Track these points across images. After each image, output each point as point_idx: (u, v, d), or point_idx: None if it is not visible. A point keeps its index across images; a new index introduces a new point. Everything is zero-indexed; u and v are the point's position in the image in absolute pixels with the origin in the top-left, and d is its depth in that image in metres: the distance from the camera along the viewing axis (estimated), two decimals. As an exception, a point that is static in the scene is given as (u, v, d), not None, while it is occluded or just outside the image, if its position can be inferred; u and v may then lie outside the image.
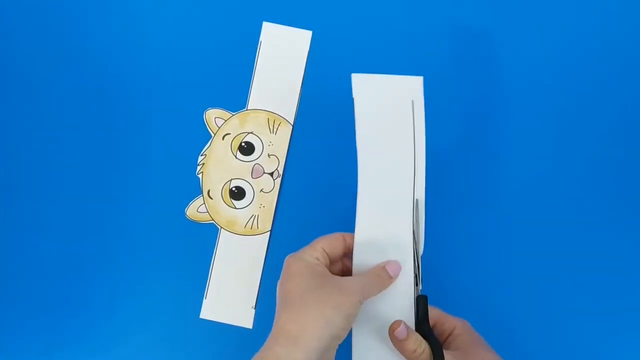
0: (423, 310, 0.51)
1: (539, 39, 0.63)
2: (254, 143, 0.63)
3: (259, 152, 0.62)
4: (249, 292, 0.61)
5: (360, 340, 0.51)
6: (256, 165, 0.62)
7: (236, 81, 0.63)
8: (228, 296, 0.61)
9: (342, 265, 0.54)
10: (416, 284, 0.51)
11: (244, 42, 0.63)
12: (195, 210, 0.62)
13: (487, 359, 0.50)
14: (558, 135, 0.62)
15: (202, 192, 0.62)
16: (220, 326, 0.61)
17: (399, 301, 0.51)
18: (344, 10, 0.63)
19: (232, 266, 0.62)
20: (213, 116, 0.63)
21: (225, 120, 0.63)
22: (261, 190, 0.62)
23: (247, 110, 0.63)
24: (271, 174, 0.62)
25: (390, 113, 0.52)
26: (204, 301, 0.61)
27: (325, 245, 0.51)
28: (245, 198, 0.62)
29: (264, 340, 0.49)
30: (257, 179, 0.62)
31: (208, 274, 0.61)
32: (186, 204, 0.62)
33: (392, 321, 0.49)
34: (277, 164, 0.62)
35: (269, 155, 0.62)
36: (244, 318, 0.61)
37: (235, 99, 0.63)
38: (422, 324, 0.50)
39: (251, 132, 0.63)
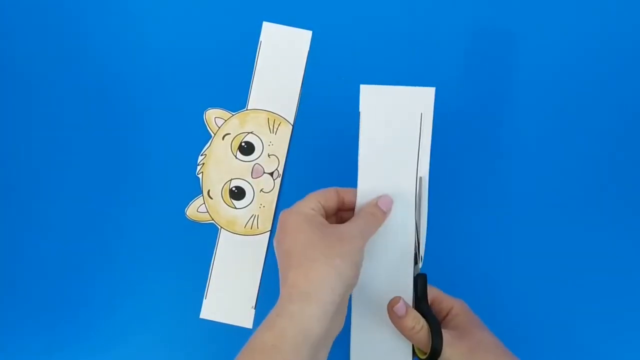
0: (422, 288, 0.50)
1: (541, 40, 0.63)
2: (254, 143, 0.63)
3: (259, 152, 0.62)
4: (249, 292, 0.61)
5: (359, 319, 0.51)
6: (256, 165, 0.62)
7: (236, 81, 0.63)
8: (228, 296, 0.61)
9: (336, 220, 0.52)
10: (416, 263, 0.51)
11: (244, 42, 0.63)
12: (195, 210, 0.62)
13: (484, 339, 0.50)
14: (560, 134, 0.62)
15: (202, 192, 0.62)
16: (220, 326, 0.61)
17: (398, 279, 0.51)
18: (344, 10, 0.63)
19: (232, 266, 0.61)
20: (213, 116, 0.63)
21: (225, 120, 0.63)
22: (261, 190, 0.62)
23: (247, 110, 0.63)
24: (271, 174, 0.62)
25: (397, 126, 0.50)
26: (204, 301, 0.61)
27: (319, 197, 0.50)
28: (245, 198, 0.62)
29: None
30: (257, 179, 0.62)
31: (208, 274, 0.61)
32: (186, 203, 0.62)
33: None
34: (277, 164, 0.62)
35: (269, 155, 0.62)
36: (244, 318, 0.61)
37: (235, 99, 0.63)
38: (421, 303, 0.50)
39: (251, 132, 0.62)
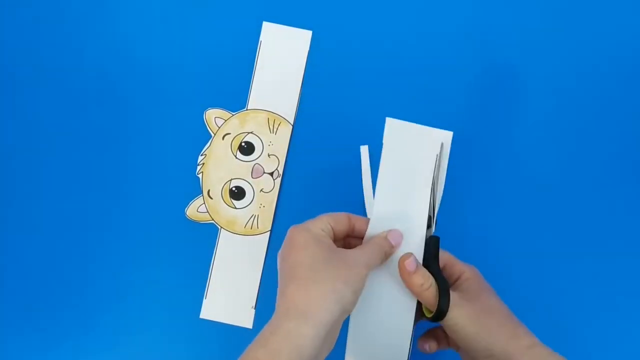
0: (434, 250, 0.51)
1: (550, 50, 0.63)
2: (254, 143, 0.63)
3: (259, 152, 0.62)
4: (249, 292, 0.61)
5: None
6: (256, 165, 0.62)
7: (236, 81, 0.63)
8: (228, 296, 0.61)
9: (343, 245, 0.53)
10: (429, 226, 0.51)
11: (244, 42, 0.63)
12: (195, 210, 0.62)
13: (492, 304, 0.50)
14: (569, 136, 0.62)
15: (202, 192, 0.62)
16: (220, 326, 0.61)
17: (410, 240, 0.51)
18: (344, 11, 0.63)
19: (232, 266, 0.61)
20: (213, 116, 0.63)
21: (225, 120, 0.63)
22: (261, 190, 0.62)
23: (247, 110, 0.63)
24: (271, 174, 0.62)
25: (415, 163, 0.51)
26: (204, 301, 0.61)
27: (330, 220, 0.50)
28: (245, 198, 0.62)
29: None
30: (257, 178, 0.62)
31: (208, 273, 0.61)
32: (186, 203, 0.62)
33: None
34: (277, 163, 0.62)
35: (269, 155, 0.62)
36: (244, 318, 0.61)
37: (235, 98, 0.63)
38: (432, 264, 0.50)
39: (251, 132, 0.62)
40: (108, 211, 0.62)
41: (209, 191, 0.62)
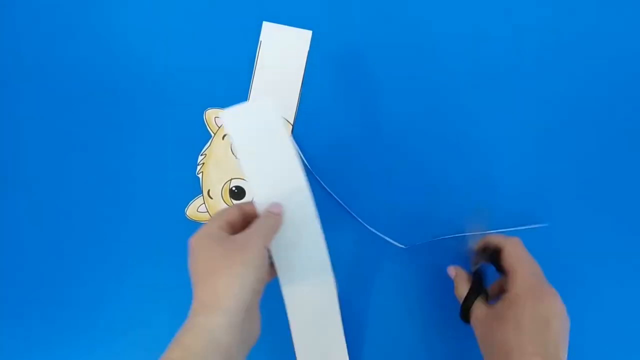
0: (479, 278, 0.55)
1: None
2: (253, 143, 0.62)
3: (259, 151, 0.62)
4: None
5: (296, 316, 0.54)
6: (256, 165, 0.62)
7: (236, 81, 0.63)
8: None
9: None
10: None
11: (244, 41, 0.63)
12: (195, 210, 0.62)
13: (515, 312, 0.49)
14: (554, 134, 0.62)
15: (202, 192, 0.62)
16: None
17: (295, 198, 0.52)
18: (344, 11, 0.63)
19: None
20: (213, 116, 0.63)
21: (225, 120, 0.63)
22: (261, 190, 0.62)
23: (247, 110, 0.63)
24: (271, 174, 0.62)
25: (264, 134, 0.52)
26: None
27: (222, 215, 0.51)
28: (245, 198, 0.62)
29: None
30: (257, 178, 0.62)
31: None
32: (186, 203, 0.62)
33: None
34: (276, 163, 0.62)
35: (268, 155, 0.62)
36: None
37: (235, 98, 0.63)
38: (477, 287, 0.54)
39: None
40: (108, 211, 0.62)
41: (209, 191, 0.62)
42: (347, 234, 0.62)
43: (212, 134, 0.62)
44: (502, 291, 0.52)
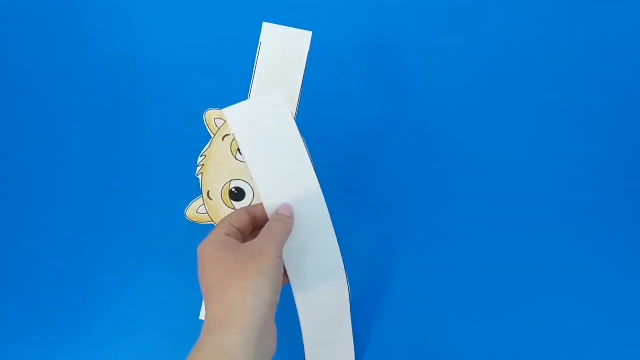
0: None
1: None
2: (254, 144, 0.62)
3: (259, 152, 0.62)
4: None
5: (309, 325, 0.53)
6: (256, 166, 0.62)
7: (236, 82, 0.63)
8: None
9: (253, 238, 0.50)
10: None
11: (244, 42, 0.62)
12: (195, 211, 0.61)
13: None
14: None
15: (202, 193, 0.62)
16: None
17: (309, 199, 0.51)
18: (344, 11, 0.63)
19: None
20: (213, 117, 0.62)
21: (225, 121, 0.62)
22: (261, 191, 0.62)
23: (247, 111, 0.62)
24: (271, 175, 0.62)
25: (272, 131, 0.51)
26: (204, 302, 0.61)
27: (231, 220, 0.49)
28: (245, 199, 0.62)
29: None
30: (257, 179, 0.62)
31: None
32: (186, 205, 0.62)
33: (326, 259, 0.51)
34: (277, 164, 0.62)
35: (269, 156, 0.62)
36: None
37: (236, 99, 0.63)
38: None
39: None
40: (107, 212, 0.62)
41: (208, 192, 0.62)
42: (345, 234, 0.62)
43: (212, 135, 0.62)
44: None
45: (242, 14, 0.63)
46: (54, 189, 0.63)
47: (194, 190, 0.62)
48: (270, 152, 0.50)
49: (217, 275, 0.45)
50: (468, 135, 0.62)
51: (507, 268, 0.61)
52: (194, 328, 0.61)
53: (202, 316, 0.61)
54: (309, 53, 0.63)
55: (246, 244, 0.47)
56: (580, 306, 0.61)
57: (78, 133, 0.63)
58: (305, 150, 0.50)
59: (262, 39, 0.62)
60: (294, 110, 0.62)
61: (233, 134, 0.50)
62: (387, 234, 0.62)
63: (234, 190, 0.62)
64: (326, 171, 0.62)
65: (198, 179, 0.62)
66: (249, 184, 0.62)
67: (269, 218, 0.50)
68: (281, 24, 0.63)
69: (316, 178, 0.51)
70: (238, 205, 0.62)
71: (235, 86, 0.63)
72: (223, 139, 0.62)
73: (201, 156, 0.62)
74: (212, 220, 0.61)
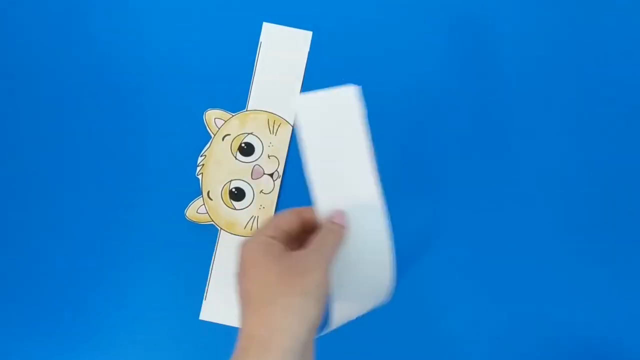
0: None
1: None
2: (253, 144, 0.62)
3: (259, 152, 0.62)
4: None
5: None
6: (256, 166, 0.62)
7: (236, 82, 0.63)
8: (228, 297, 0.61)
9: (302, 242, 0.46)
10: None
11: (244, 42, 0.63)
12: (195, 211, 0.61)
13: None
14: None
15: (202, 193, 0.62)
16: (219, 328, 0.61)
17: (368, 213, 0.47)
18: (344, 11, 0.63)
19: (232, 267, 0.61)
20: (213, 117, 0.62)
21: (225, 121, 0.62)
22: (261, 192, 0.62)
23: (247, 110, 0.63)
24: (271, 175, 0.62)
25: (338, 130, 0.47)
26: (204, 302, 0.61)
27: (279, 221, 0.45)
28: (245, 199, 0.62)
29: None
30: (257, 179, 0.62)
31: (208, 275, 0.61)
32: (186, 205, 0.62)
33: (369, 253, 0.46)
34: (277, 164, 0.62)
35: (269, 156, 0.62)
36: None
37: (235, 99, 0.63)
38: None
39: (251, 133, 0.62)
40: (107, 212, 0.62)
41: (208, 192, 0.62)
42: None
43: (212, 135, 0.62)
44: None
45: (242, 15, 0.63)
46: (54, 189, 0.63)
47: (194, 190, 0.62)
48: (333, 150, 0.46)
49: (259, 284, 0.41)
50: (468, 128, 0.62)
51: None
52: (193, 328, 0.61)
53: (202, 316, 0.61)
54: (309, 53, 0.63)
55: (295, 253, 0.43)
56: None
57: (77, 132, 0.63)
58: (371, 154, 0.46)
59: (262, 38, 0.63)
60: (293, 113, 0.62)
61: (298, 124, 0.46)
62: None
63: (234, 190, 0.62)
64: None
65: (198, 179, 0.62)
66: (249, 184, 0.62)
67: (319, 224, 0.46)
68: (281, 25, 0.63)
69: (379, 186, 0.46)
70: (238, 205, 0.62)
71: (235, 86, 0.63)
72: (223, 139, 0.62)
73: (201, 156, 0.62)
74: (212, 220, 0.61)
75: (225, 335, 0.60)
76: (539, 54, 0.62)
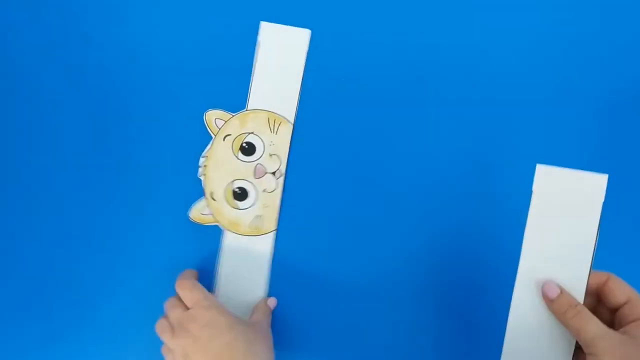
0: None
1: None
2: (254, 143, 0.62)
3: (260, 152, 0.62)
4: (256, 291, 0.61)
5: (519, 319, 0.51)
6: (258, 165, 0.62)
7: (235, 81, 0.62)
8: (235, 296, 0.61)
9: None
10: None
11: (242, 42, 0.62)
12: (198, 212, 0.61)
13: None
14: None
15: (204, 194, 0.61)
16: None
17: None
18: (343, 9, 0.63)
19: (238, 266, 0.61)
20: (213, 117, 0.62)
21: (226, 121, 0.62)
22: (264, 190, 0.62)
23: (247, 110, 0.62)
24: (273, 174, 0.62)
25: (572, 210, 0.50)
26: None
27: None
28: (248, 198, 0.62)
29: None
30: (260, 179, 0.62)
31: (214, 275, 0.61)
32: (189, 206, 0.61)
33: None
34: (279, 163, 0.62)
35: (270, 155, 0.62)
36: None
37: (235, 99, 0.63)
38: None
39: (252, 132, 0.62)
40: (109, 215, 0.62)
41: (211, 193, 0.62)
42: (351, 235, 0.62)
43: (213, 136, 0.62)
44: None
45: (240, 14, 0.63)
46: (55, 192, 0.62)
47: (197, 191, 0.62)
48: (559, 228, 0.50)
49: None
50: (469, 128, 0.62)
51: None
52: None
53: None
54: (308, 52, 0.63)
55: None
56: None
57: (77, 135, 0.62)
58: (594, 244, 0.49)
59: (260, 38, 0.62)
60: (293, 112, 0.62)
61: (535, 192, 0.51)
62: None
63: (237, 190, 0.62)
64: (327, 169, 0.63)
65: (200, 180, 0.62)
66: (251, 183, 0.62)
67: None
68: (279, 23, 0.63)
69: (587, 278, 0.49)
70: (242, 204, 0.61)
71: (234, 86, 0.62)
72: (224, 139, 0.62)
73: (202, 157, 0.62)
74: (217, 221, 0.61)
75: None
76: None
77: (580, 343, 0.47)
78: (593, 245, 0.49)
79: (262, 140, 0.62)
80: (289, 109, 0.63)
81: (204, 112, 0.62)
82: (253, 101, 0.63)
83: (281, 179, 0.62)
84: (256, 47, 0.62)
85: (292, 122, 0.62)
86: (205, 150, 0.62)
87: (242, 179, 0.62)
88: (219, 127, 0.62)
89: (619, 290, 0.49)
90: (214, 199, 0.61)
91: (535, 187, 0.51)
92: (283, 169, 0.62)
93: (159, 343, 0.58)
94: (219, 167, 0.62)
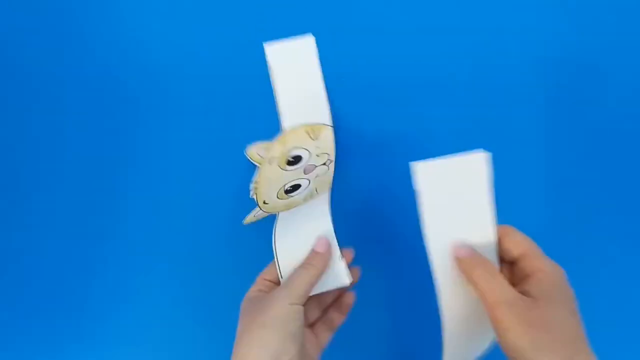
0: None
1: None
2: (301, 154, 0.59)
3: (307, 157, 0.58)
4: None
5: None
6: (307, 165, 0.58)
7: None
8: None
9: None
10: None
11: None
12: (252, 216, 0.56)
13: (555, 318, 0.41)
14: None
15: (257, 204, 0.57)
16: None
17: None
18: (342, 8, 0.65)
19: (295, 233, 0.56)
20: (255, 151, 0.61)
21: (267, 149, 0.61)
22: (316, 177, 0.57)
23: (284, 132, 0.61)
24: (324, 164, 0.57)
25: (461, 198, 0.48)
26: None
27: (264, 275, 0.52)
28: (300, 188, 0.56)
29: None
30: (310, 173, 0.57)
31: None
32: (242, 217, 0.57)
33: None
34: (327, 157, 0.58)
35: (317, 155, 0.58)
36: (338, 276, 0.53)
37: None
38: None
39: (295, 147, 0.60)
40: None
41: (264, 201, 0.57)
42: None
43: (259, 165, 0.60)
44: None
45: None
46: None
47: (250, 204, 0.57)
48: (454, 217, 0.48)
49: (239, 329, 0.46)
50: (470, 125, 0.59)
51: None
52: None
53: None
54: (320, 56, 0.63)
55: (267, 294, 0.48)
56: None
57: (83, 145, 0.64)
58: (494, 222, 0.47)
59: (268, 60, 0.63)
60: (327, 117, 0.60)
61: (418, 190, 0.47)
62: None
63: (289, 188, 0.57)
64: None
65: (253, 199, 0.57)
66: (303, 179, 0.57)
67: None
68: (280, 38, 0.64)
69: (497, 255, 0.47)
70: (295, 194, 0.56)
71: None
72: (270, 163, 0.60)
73: (252, 183, 0.59)
74: (270, 213, 0.57)
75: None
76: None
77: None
78: (492, 224, 0.47)
79: (307, 149, 0.59)
80: (322, 115, 0.61)
81: (244, 149, 0.61)
82: (286, 121, 0.62)
83: (332, 165, 0.57)
84: (269, 70, 0.63)
85: (331, 124, 0.60)
86: (254, 177, 0.59)
87: (293, 180, 0.57)
88: (262, 156, 0.60)
89: (514, 243, 0.46)
90: (266, 203, 0.56)
91: (418, 186, 0.47)
92: (332, 157, 0.57)
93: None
94: (270, 184, 0.58)
